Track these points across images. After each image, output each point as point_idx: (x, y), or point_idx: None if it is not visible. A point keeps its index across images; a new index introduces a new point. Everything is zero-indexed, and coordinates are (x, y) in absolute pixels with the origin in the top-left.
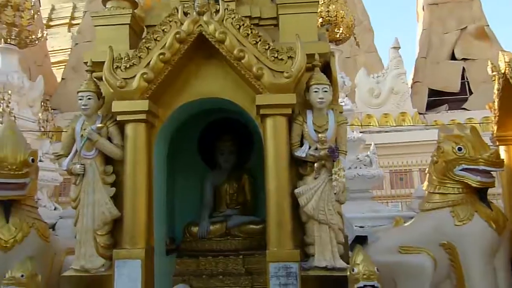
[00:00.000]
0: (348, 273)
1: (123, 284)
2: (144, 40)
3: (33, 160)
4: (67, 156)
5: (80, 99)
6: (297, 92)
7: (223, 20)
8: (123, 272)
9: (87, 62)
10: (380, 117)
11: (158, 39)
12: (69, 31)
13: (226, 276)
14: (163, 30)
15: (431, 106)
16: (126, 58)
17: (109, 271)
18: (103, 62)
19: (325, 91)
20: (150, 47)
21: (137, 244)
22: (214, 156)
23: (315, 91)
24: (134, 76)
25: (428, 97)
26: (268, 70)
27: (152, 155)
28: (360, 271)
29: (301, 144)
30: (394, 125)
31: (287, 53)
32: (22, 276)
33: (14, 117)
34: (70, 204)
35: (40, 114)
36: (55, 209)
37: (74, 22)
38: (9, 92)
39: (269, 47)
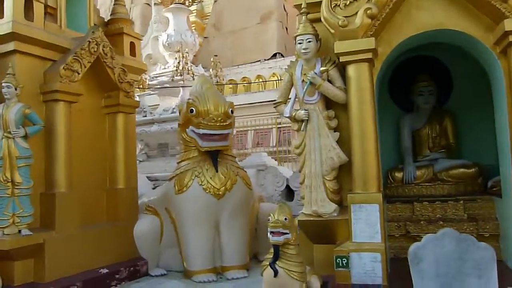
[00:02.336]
0: None
1: (361, 228)
2: None
3: (232, 112)
4: (285, 103)
5: (300, 43)
6: None
7: None
8: (360, 216)
9: (300, 4)
10: None
11: None
12: None
13: (446, 222)
14: None
15: None
16: None
17: (340, 216)
18: (316, 3)
19: None
20: None
21: (370, 188)
22: (410, 98)
23: None
24: (356, 13)
25: None
26: None
27: (374, 97)
28: None
29: None
30: None
31: None
32: (285, 219)
33: (193, 73)
34: (293, 151)
35: (211, 70)
36: None
37: None
38: (186, 50)
39: None
